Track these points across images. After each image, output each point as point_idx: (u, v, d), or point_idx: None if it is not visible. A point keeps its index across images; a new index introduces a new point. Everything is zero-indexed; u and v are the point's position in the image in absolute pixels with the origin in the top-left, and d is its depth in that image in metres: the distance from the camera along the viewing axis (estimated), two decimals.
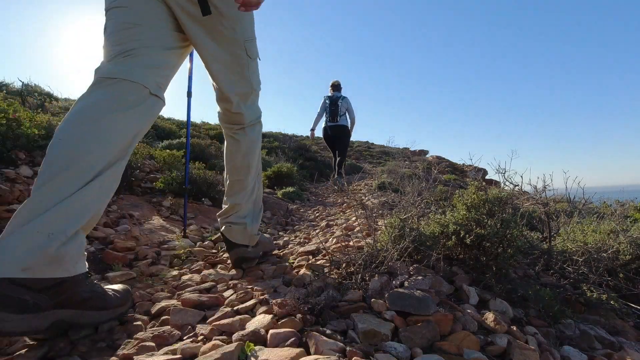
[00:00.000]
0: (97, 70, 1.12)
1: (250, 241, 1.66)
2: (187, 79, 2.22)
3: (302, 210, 3.77)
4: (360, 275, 1.30)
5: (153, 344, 1.02)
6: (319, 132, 6.22)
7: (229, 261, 1.84)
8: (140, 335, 1.10)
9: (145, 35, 1.15)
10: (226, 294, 1.41)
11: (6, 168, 2.35)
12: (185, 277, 1.64)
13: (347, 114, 5.87)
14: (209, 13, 1.22)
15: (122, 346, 1.02)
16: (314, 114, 6.22)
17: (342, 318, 1.09)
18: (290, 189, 4.69)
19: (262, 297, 1.30)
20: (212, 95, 1.57)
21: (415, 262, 1.47)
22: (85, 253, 1.10)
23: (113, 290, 1.20)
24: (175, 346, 1.00)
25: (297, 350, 0.90)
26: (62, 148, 0.99)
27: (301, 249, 1.90)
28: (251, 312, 1.22)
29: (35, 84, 5.74)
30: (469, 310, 1.17)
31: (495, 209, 1.49)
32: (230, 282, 1.55)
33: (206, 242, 2.31)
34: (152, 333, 1.09)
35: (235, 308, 1.23)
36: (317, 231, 2.48)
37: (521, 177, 1.81)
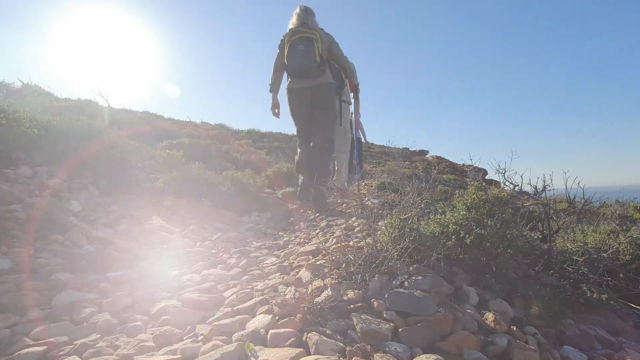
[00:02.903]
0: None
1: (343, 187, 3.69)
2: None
3: (302, 210, 3.77)
4: (360, 275, 1.30)
5: (153, 344, 1.02)
6: None
7: (228, 261, 1.88)
8: (140, 335, 1.10)
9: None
10: (226, 294, 1.41)
11: (6, 168, 2.35)
12: (185, 277, 1.64)
13: None
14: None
15: (122, 346, 1.02)
16: None
17: (342, 318, 1.09)
18: (290, 189, 4.68)
19: (262, 297, 1.30)
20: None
21: (415, 262, 1.47)
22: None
23: None
24: (176, 346, 1.00)
25: (297, 350, 0.90)
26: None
27: (301, 249, 1.90)
28: (251, 312, 1.22)
29: (35, 84, 5.74)
30: (469, 310, 1.17)
31: (495, 209, 1.48)
32: (230, 282, 1.55)
33: (206, 242, 2.31)
34: (152, 333, 1.09)
35: (235, 308, 1.23)
36: (317, 231, 2.48)
37: (521, 177, 1.81)
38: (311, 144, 3.02)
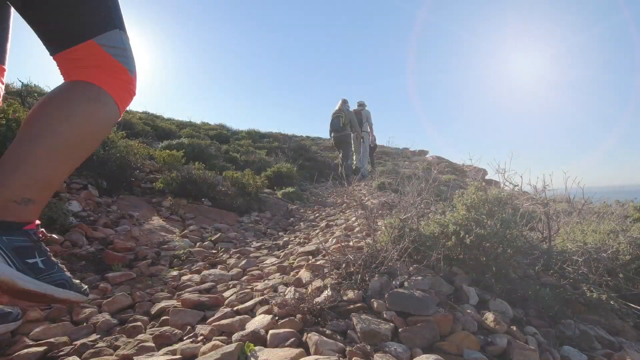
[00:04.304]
0: None
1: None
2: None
3: (302, 210, 3.77)
4: (360, 275, 1.30)
5: (153, 344, 1.02)
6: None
7: (228, 261, 1.88)
8: (140, 335, 1.10)
9: None
10: (226, 294, 1.41)
11: None
12: (185, 277, 1.64)
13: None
14: None
15: (122, 346, 1.02)
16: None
17: (342, 318, 1.09)
18: (290, 189, 4.68)
19: (262, 297, 1.30)
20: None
21: (415, 262, 1.47)
22: None
23: None
24: (175, 346, 1.00)
25: (297, 350, 0.90)
26: None
27: (301, 249, 1.90)
28: (251, 312, 1.22)
29: (35, 84, 5.73)
30: (469, 311, 1.17)
31: (495, 209, 1.49)
32: (230, 282, 1.55)
33: (206, 242, 2.31)
34: (152, 333, 1.09)
35: (235, 308, 1.23)
36: (317, 231, 2.48)
37: (521, 177, 1.81)
38: (341, 157, 6.97)
